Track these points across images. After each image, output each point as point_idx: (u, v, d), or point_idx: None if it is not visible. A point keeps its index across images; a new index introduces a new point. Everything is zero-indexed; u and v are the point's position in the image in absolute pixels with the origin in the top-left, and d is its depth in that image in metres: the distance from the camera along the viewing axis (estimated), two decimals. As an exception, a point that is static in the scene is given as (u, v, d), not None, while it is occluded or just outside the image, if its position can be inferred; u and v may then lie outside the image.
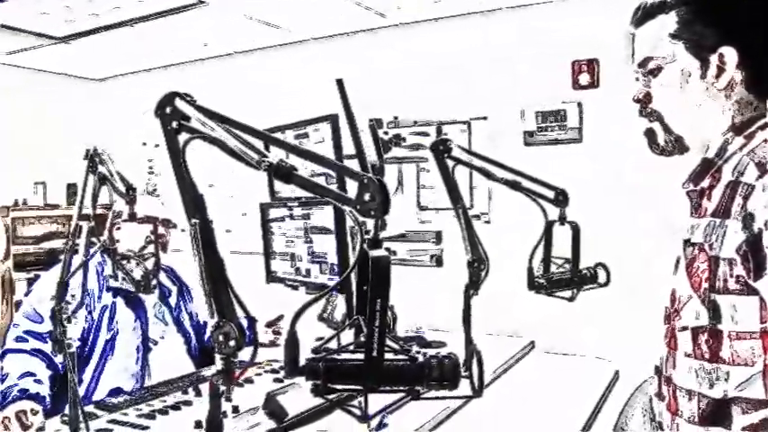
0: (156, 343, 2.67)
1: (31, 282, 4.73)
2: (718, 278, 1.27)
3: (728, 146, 1.35)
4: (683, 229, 1.49)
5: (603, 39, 3.63)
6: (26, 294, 2.68)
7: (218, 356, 1.30)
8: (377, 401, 1.79)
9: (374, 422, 1.93)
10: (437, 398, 1.20)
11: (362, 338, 1.13)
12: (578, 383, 2.64)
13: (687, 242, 1.36)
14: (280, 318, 2.95)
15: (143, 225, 2.67)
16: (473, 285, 2.19)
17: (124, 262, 2.64)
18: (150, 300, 2.71)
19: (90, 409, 2.18)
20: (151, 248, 2.69)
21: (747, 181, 1.27)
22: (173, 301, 2.81)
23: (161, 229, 2.73)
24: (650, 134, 1.47)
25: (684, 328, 1.34)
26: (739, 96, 1.36)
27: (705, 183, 1.37)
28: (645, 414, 1.66)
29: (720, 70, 1.35)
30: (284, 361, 1.17)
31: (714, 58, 1.35)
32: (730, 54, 1.34)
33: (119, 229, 2.69)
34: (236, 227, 4.75)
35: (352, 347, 1.19)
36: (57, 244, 5.08)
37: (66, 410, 1.73)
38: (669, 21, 1.38)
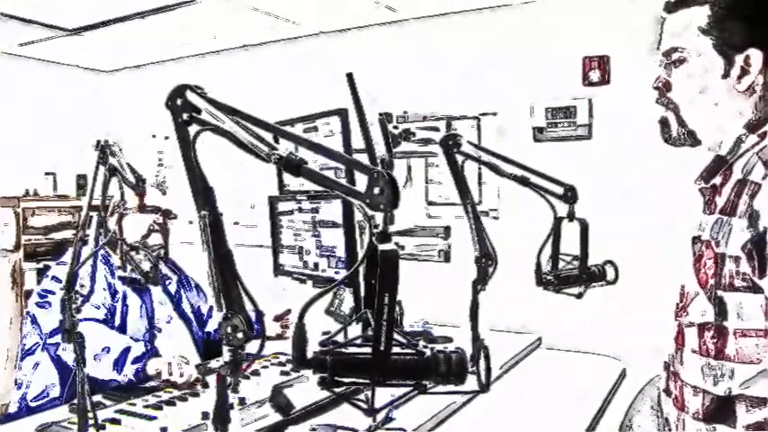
0: (160, 330, 2.69)
1: (41, 272, 4.76)
2: (724, 275, 1.27)
3: (742, 144, 1.35)
4: (692, 227, 1.49)
5: (615, 35, 3.62)
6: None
7: (225, 348, 1.30)
8: (383, 395, 1.80)
9: (380, 416, 1.93)
10: (444, 392, 1.20)
11: (370, 332, 1.13)
12: (585, 381, 2.64)
13: (696, 239, 1.36)
14: (287, 311, 2.96)
15: (146, 215, 2.70)
16: (481, 281, 2.19)
17: (132, 253, 2.67)
18: (154, 288, 2.73)
19: (98, 398, 2.20)
20: (154, 238, 2.73)
21: (754, 179, 1.28)
22: (172, 288, 2.83)
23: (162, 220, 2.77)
24: (664, 123, 1.46)
25: (691, 325, 1.34)
26: (759, 98, 1.35)
27: (717, 180, 1.37)
28: (653, 410, 1.66)
29: (744, 72, 1.34)
30: (292, 354, 1.17)
31: (740, 59, 1.34)
32: (756, 57, 1.33)
33: (122, 217, 2.71)
34: (244, 220, 4.77)
35: (359, 341, 1.19)
36: (66, 234, 5.10)
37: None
38: (701, 14, 1.37)
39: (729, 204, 1.30)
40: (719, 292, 1.28)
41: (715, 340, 1.29)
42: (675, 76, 1.42)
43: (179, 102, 1.38)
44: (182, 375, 2.31)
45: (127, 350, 2.36)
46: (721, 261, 1.27)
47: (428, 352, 1.16)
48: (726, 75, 1.36)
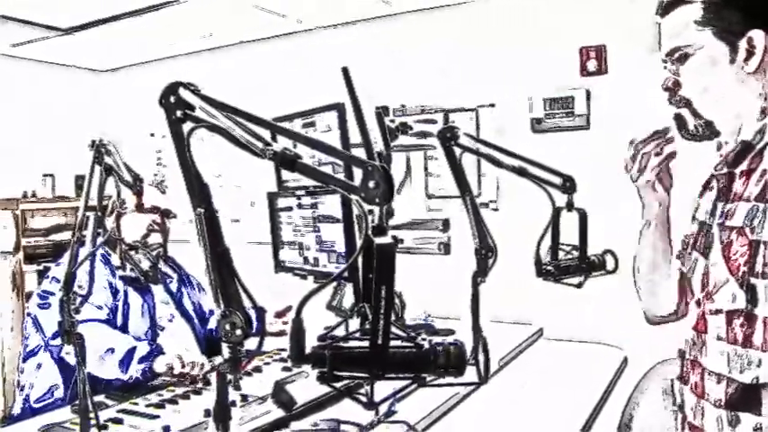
0: (162, 329, 2.69)
1: (42, 274, 4.75)
2: (757, 262, 1.26)
3: (767, 129, 1.34)
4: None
5: (612, 24, 3.60)
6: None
7: (224, 345, 1.30)
8: (386, 388, 1.80)
9: (383, 409, 1.93)
10: (442, 385, 1.20)
11: (368, 326, 1.13)
12: (587, 370, 2.64)
13: (722, 226, 1.35)
14: (288, 308, 2.95)
15: (144, 215, 2.69)
16: (481, 273, 2.19)
17: (131, 252, 2.67)
18: (155, 287, 2.74)
19: (100, 398, 2.20)
20: (153, 237, 2.73)
21: None
22: (173, 287, 2.83)
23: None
24: (679, 120, 1.46)
25: (718, 311, 1.33)
26: None
27: (743, 166, 1.36)
28: (666, 397, 1.65)
29: (750, 54, 1.34)
30: (290, 349, 1.17)
31: (743, 43, 1.34)
32: (759, 37, 1.33)
33: (120, 217, 2.71)
34: (244, 217, 4.77)
35: (357, 335, 1.19)
36: (66, 236, 5.09)
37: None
38: (694, 8, 1.38)
39: (767, 191, 1.29)
40: (752, 280, 1.27)
41: (744, 328, 1.28)
42: (683, 72, 1.42)
43: (172, 99, 1.37)
44: (194, 366, 2.32)
45: (132, 350, 2.36)
46: (756, 248, 1.27)
47: (426, 344, 1.16)
48: (732, 60, 1.36)
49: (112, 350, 2.36)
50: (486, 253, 2.19)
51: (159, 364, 2.35)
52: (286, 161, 1.25)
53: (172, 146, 1.39)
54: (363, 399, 1.26)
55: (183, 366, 2.31)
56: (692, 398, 1.40)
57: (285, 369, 2.49)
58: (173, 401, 2.18)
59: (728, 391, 1.30)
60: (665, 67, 1.46)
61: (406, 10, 4.25)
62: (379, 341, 1.10)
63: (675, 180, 1.58)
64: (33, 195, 5.20)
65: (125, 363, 2.35)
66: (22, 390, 2.52)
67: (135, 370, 2.34)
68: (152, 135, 5.21)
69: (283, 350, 2.67)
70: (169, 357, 2.35)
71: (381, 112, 2.50)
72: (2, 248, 4.90)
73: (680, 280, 1.56)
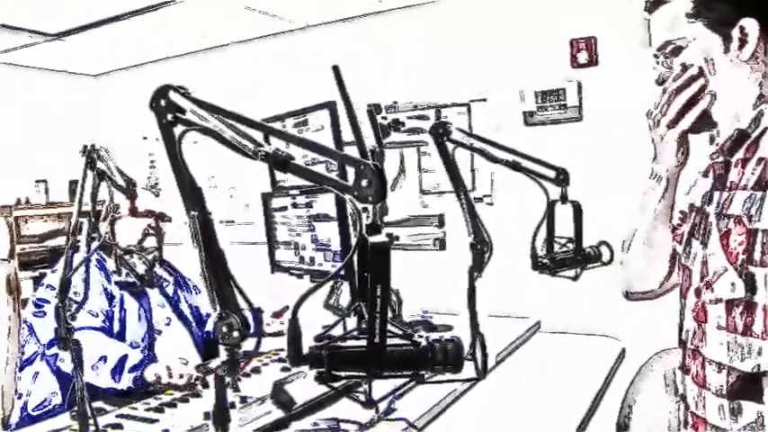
0: (160, 333, 2.68)
1: (37, 280, 4.74)
2: (756, 251, 1.26)
3: (762, 117, 1.34)
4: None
5: (602, 16, 3.61)
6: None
7: (222, 347, 1.30)
8: (385, 386, 1.79)
9: (382, 407, 1.93)
10: (441, 381, 1.20)
11: (364, 325, 1.13)
12: (584, 362, 2.64)
13: (719, 215, 1.35)
14: (286, 308, 2.95)
15: (140, 219, 2.68)
16: (477, 268, 2.19)
17: (127, 257, 2.66)
18: (151, 291, 2.73)
19: (99, 404, 2.19)
20: (148, 241, 2.72)
21: None
22: (170, 290, 2.82)
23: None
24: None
25: (718, 301, 1.33)
26: (765, 66, 1.35)
27: (740, 154, 1.36)
28: (668, 387, 1.65)
29: (743, 42, 1.33)
30: (287, 350, 1.17)
31: (735, 32, 1.34)
32: (751, 25, 1.32)
33: (114, 221, 2.69)
34: (240, 218, 4.77)
35: (354, 334, 1.19)
36: (61, 241, 5.09)
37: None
38: (684, 1, 1.37)
39: (763, 180, 1.29)
40: (751, 268, 1.26)
41: (744, 316, 1.28)
42: (676, 66, 1.41)
43: (162, 103, 1.37)
44: (181, 377, 2.30)
45: (124, 358, 2.35)
46: (754, 236, 1.27)
47: (423, 342, 1.16)
48: (726, 50, 1.35)
49: (105, 359, 2.34)
50: (481, 248, 2.19)
51: (149, 373, 2.33)
52: (278, 162, 1.24)
53: (164, 149, 1.39)
54: (362, 397, 1.26)
55: (171, 377, 2.30)
56: (693, 387, 1.40)
57: (284, 369, 2.48)
58: (172, 405, 2.17)
59: (729, 380, 1.30)
60: (658, 62, 1.46)
61: (395, 6, 4.24)
62: (376, 340, 1.10)
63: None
64: (27, 202, 5.18)
65: (117, 371, 2.33)
66: (20, 397, 2.51)
67: (127, 378, 2.33)
68: (144, 138, 5.20)
69: (281, 350, 2.66)
70: (158, 367, 2.34)
71: (373, 109, 2.49)
72: (-3, 256, 4.90)
73: (671, 256, 1.56)
